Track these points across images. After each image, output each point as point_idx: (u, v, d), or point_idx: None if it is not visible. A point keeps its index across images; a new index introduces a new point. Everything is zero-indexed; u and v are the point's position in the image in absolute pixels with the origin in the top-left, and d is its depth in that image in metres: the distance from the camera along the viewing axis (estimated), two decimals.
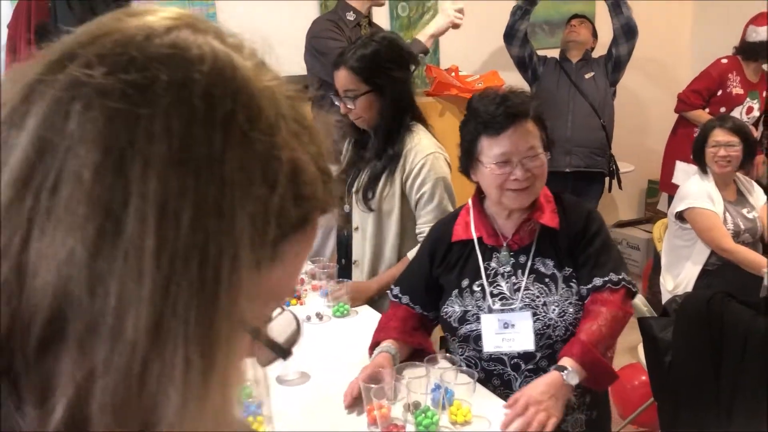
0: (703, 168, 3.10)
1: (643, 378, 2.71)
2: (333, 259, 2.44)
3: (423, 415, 1.46)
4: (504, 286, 1.71)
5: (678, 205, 3.09)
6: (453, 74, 3.79)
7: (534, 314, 1.66)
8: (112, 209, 0.41)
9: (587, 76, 3.96)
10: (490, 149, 1.67)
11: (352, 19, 3.07)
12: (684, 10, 5.23)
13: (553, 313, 1.65)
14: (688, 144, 3.52)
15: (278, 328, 0.54)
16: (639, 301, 2.50)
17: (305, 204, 0.48)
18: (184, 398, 0.43)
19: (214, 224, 0.42)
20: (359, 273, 2.25)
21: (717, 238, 2.94)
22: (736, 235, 2.99)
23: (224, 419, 0.47)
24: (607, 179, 4.12)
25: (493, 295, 1.71)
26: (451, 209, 2.09)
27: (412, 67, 2.24)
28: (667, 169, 4.25)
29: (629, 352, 3.31)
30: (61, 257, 0.41)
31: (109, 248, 0.41)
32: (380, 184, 2.16)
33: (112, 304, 0.41)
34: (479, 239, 1.77)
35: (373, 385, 1.48)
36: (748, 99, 4.04)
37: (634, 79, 4.93)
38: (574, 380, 1.52)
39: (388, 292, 1.90)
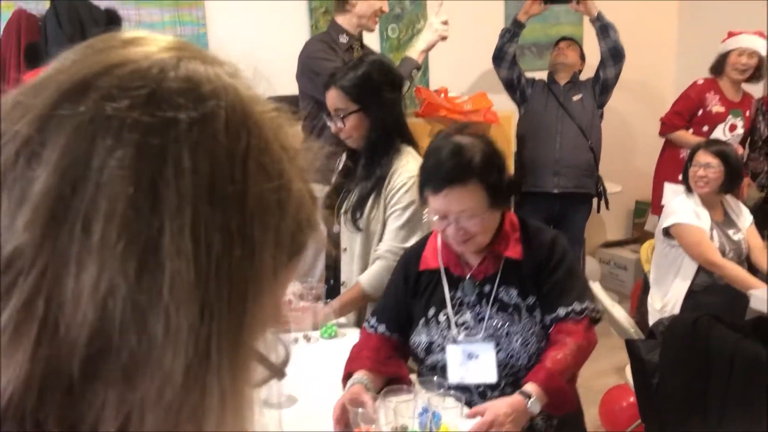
0: (689, 187, 3.13)
1: (631, 399, 2.72)
2: (322, 280, 2.44)
3: None
4: (468, 316, 1.72)
5: (665, 221, 3.11)
6: (442, 95, 3.82)
7: (497, 344, 1.67)
8: (151, 242, 0.41)
9: (575, 98, 4.01)
10: (431, 201, 1.68)
11: (344, 41, 3.09)
12: (669, 32, 5.31)
13: (516, 343, 1.66)
14: (676, 165, 3.57)
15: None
16: (626, 322, 2.52)
17: (306, 229, 0.49)
18: (218, 426, 0.43)
19: (239, 254, 0.43)
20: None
21: (705, 252, 2.95)
22: (721, 255, 3.01)
23: None
24: (594, 200, 4.16)
25: (457, 325, 1.72)
26: (419, 235, 2.09)
27: (403, 89, 2.26)
28: (658, 192, 4.30)
29: (617, 372, 3.32)
30: (101, 292, 0.40)
31: (149, 281, 0.40)
32: (368, 204, 2.18)
33: (159, 336, 0.40)
34: (446, 269, 1.77)
35: (360, 409, 1.47)
36: (730, 116, 4.11)
37: (621, 101, 4.99)
38: (537, 408, 1.55)
39: (365, 323, 1.90)
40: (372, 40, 4.26)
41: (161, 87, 0.44)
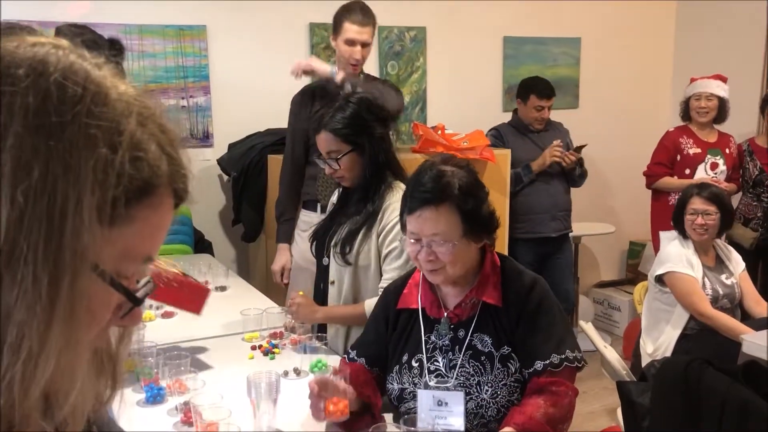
0: (682, 234, 3.15)
1: None
2: None
3: None
4: (441, 362, 1.69)
5: (658, 269, 3.13)
6: (439, 132, 3.86)
7: (467, 393, 1.64)
8: None
9: (555, 143, 4.03)
10: (407, 223, 1.68)
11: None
12: (664, 69, 5.39)
13: (485, 393, 1.63)
14: (668, 211, 3.59)
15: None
16: (618, 364, 2.51)
17: (145, 170, 0.59)
18: (29, 309, 0.53)
19: (61, 174, 0.54)
20: (333, 326, 2.27)
21: (696, 303, 2.97)
22: (715, 301, 3.02)
23: (70, 348, 0.56)
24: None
25: (429, 371, 1.69)
26: None
27: (391, 124, 2.29)
28: (656, 241, 4.34)
29: (609, 414, 3.30)
30: None
31: None
32: (358, 239, 2.19)
33: None
34: (423, 309, 1.76)
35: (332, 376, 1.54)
36: (709, 156, 4.21)
37: (612, 142, 5.05)
38: None
39: (345, 355, 1.90)
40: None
41: (11, 55, 0.56)
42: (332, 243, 2.23)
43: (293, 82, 3.22)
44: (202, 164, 3.96)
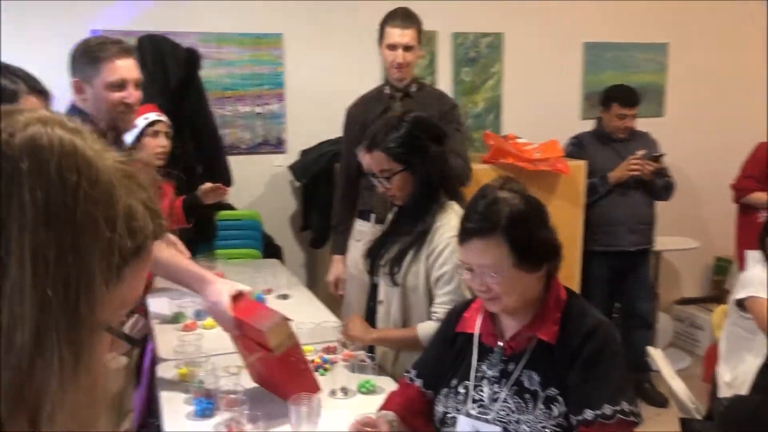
0: (767, 255, 2.95)
1: None
2: None
3: None
4: (485, 392, 1.64)
5: (739, 292, 2.94)
6: (510, 142, 3.77)
7: (505, 429, 1.59)
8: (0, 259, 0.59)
9: (639, 153, 3.86)
10: (459, 251, 1.65)
11: (387, 92, 3.11)
12: (757, 83, 5.07)
13: None
14: (756, 230, 3.38)
15: (130, 326, 0.76)
16: (685, 397, 2.38)
17: (138, 236, 0.66)
18: (60, 383, 0.61)
19: (72, 260, 0.61)
20: (382, 348, 2.26)
21: None
22: None
23: (93, 394, 0.65)
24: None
25: (473, 401, 1.65)
26: (468, 295, 2.05)
27: (446, 142, 2.25)
28: (741, 259, 4.11)
29: None
30: None
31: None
32: (407, 259, 2.16)
33: (4, 322, 0.59)
34: (479, 336, 1.71)
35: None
36: None
37: (698, 154, 4.80)
38: None
39: (405, 372, 1.88)
40: (445, 83, 4.28)
41: (9, 147, 0.62)
42: (381, 263, 2.21)
43: (366, 90, 3.22)
44: (274, 170, 4.04)
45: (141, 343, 2.43)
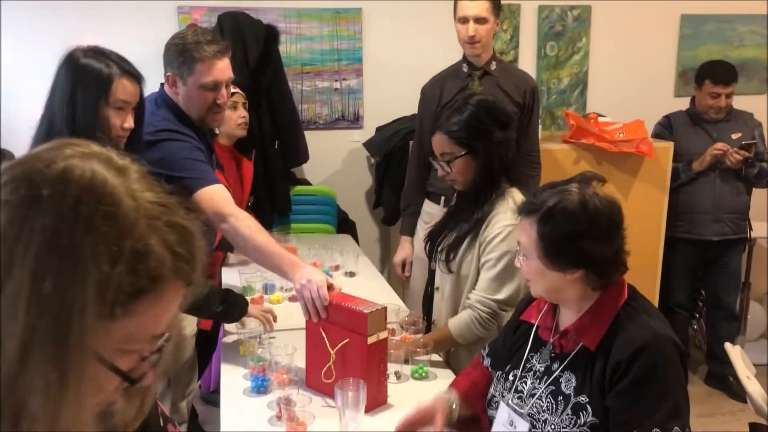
0: None
1: None
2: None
3: None
4: (527, 386, 1.62)
5: None
6: (592, 121, 3.63)
7: (533, 426, 1.56)
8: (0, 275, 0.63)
9: (734, 136, 3.62)
10: None
11: (465, 70, 3.03)
12: None
13: None
14: None
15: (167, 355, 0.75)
16: (760, 399, 2.24)
17: (142, 277, 0.66)
18: (43, 406, 0.63)
19: (69, 287, 0.63)
20: None
21: None
22: None
23: (78, 421, 0.65)
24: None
25: (516, 391, 1.64)
26: (511, 288, 2.03)
27: (511, 127, 2.19)
28: None
29: None
30: None
31: None
32: (462, 247, 2.13)
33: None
34: (537, 328, 1.68)
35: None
36: None
37: None
38: None
39: (482, 350, 1.88)
40: (528, 58, 4.16)
41: (40, 176, 0.66)
42: (439, 249, 2.19)
43: (445, 67, 3.16)
44: (351, 146, 4.06)
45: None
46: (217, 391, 2.65)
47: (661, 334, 1.48)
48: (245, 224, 2.08)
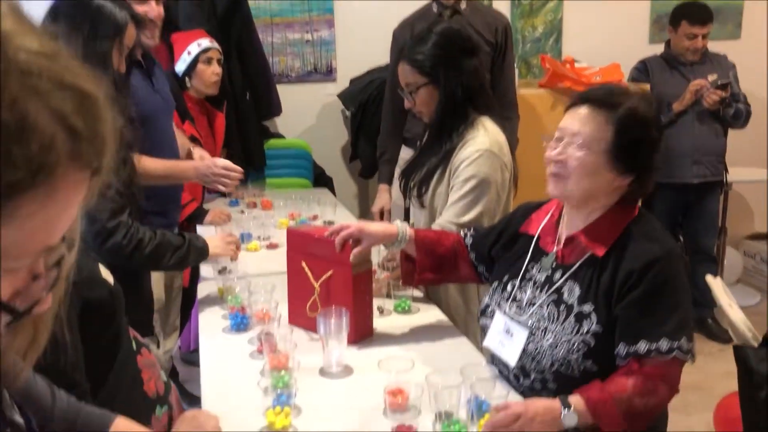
0: None
1: None
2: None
3: (451, 426, 1.39)
4: (526, 295, 1.61)
5: None
6: (568, 66, 3.59)
7: (531, 334, 1.55)
8: None
9: (710, 78, 3.61)
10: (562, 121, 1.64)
11: (435, 10, 2.98)
12: None
13: (546, 341, 1.52)
14: None
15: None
16: (743, 325, 2.26)
17: (23, 165, 0.47)
18: None
19: None
20: None
21: None
22: None
23: None
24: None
25: (515, 299, 1.63)
26: (476, 212, 1.99)
27: (479, 54, 2.12)
28: None
29: (733, 377, 3.01)
30: None
31: None
32: (434, 180, 2.08)
33: None
34: (538, 238, 1.67)
35: None
36: None
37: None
38: (571, 421, 1.41)
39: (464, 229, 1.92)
40: (502, 5, 4.10)
41: None
42: (411, 184, 2.14)
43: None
44: (325, 99, 3.99)
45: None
46: (196, 351, 2.60)
47: (673, 251, 1.51)
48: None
